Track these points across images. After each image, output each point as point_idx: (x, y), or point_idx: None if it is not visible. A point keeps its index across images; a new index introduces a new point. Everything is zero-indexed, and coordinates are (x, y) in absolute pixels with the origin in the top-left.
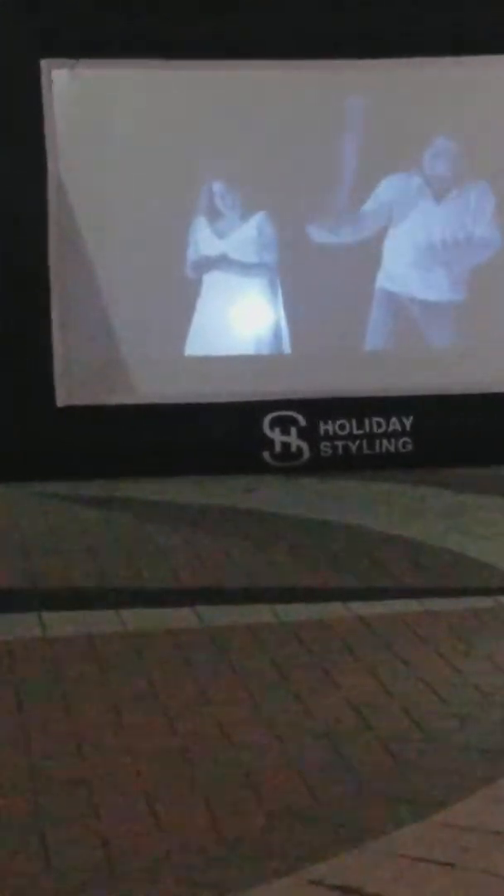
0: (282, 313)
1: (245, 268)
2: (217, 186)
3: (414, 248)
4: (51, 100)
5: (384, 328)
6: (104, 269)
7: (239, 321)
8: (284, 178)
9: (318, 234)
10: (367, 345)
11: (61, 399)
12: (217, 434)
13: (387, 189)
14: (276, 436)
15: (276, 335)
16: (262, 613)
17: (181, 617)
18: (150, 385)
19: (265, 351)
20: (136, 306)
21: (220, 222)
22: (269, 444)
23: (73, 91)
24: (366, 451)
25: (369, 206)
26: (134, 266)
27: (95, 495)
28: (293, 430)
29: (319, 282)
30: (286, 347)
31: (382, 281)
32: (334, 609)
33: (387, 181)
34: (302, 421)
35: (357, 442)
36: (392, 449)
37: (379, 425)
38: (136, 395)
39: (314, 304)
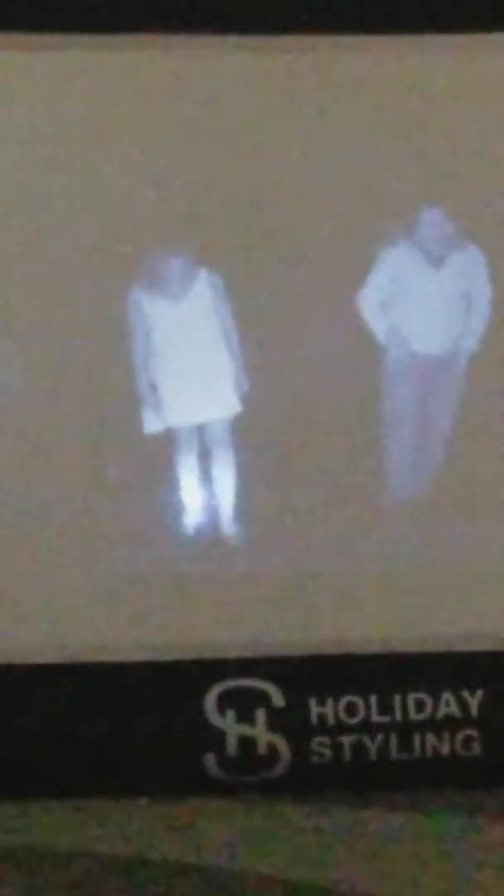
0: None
1: None
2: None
3: None
4: None
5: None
6: None
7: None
8: None
9: None
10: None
11: None
12: (108, 724)
13: None
14: (229, 725)
15: (218, 517)
16: None
17: None
18: None
19: (201, 558)
20: None
21: None
22: (217, 739)
23: None
24: (395, 753)
25: None
26: None
27: None
28: (260, 716)
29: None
30: (240, 551)
31: None
32: None
33: None
34: (277, 698)
35: (379, 736)
36: (444, 749)
37: (421, 706)
38: None
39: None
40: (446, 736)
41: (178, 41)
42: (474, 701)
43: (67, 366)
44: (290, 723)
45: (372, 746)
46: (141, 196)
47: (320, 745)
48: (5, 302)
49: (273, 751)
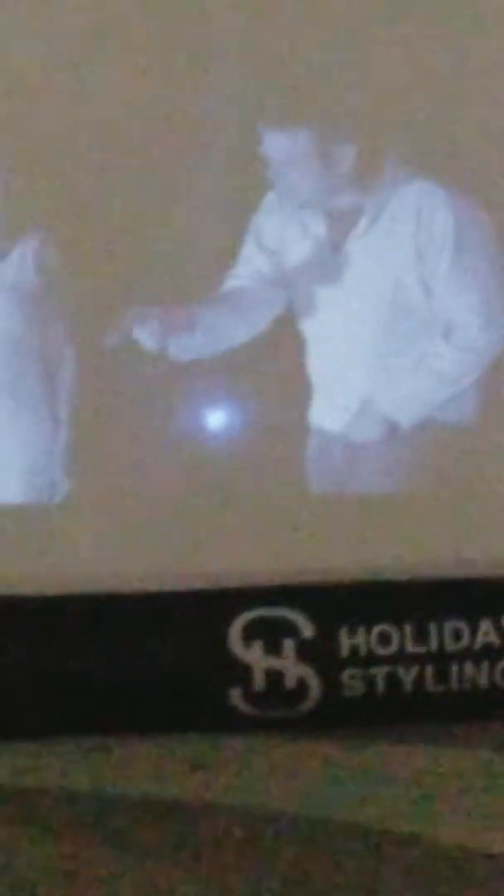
0: None
1: None
2: None
3: None
4: None
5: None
6: None
7: None
8: None
9: None
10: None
11: None
12: (125, 659)
13: None
14: (256, 657)
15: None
16: None
17: None
18: None
19: (221, 481)
20: None
21: None
22: (242, 673)
23: None
24: (431, 685)
25: None
26: None
27: None
28: (289, 647)
29: None
30: (264, 473)
31: None
32: None
33: None
34: (306, 628)
35: (414, 668)
36: (483, 680)
37: (458, 635)
38: None
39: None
40: (485, 666)
41: None
42: None
43: None
44: (319, 654)
45: (406, 678)
46: None
47: (352, 678)
48: None
49: (302, 684)
